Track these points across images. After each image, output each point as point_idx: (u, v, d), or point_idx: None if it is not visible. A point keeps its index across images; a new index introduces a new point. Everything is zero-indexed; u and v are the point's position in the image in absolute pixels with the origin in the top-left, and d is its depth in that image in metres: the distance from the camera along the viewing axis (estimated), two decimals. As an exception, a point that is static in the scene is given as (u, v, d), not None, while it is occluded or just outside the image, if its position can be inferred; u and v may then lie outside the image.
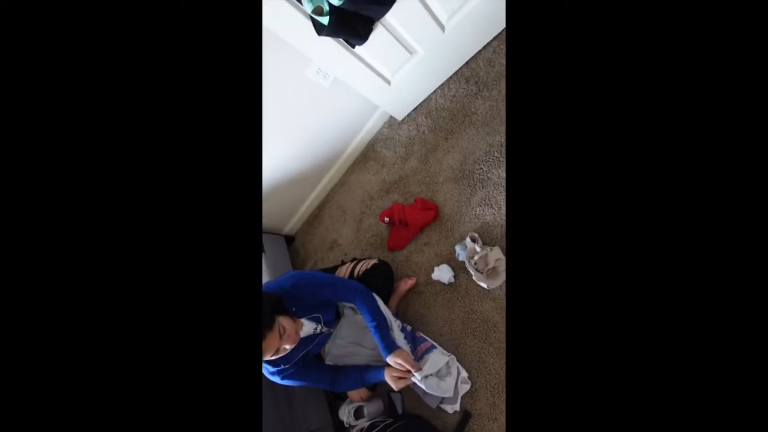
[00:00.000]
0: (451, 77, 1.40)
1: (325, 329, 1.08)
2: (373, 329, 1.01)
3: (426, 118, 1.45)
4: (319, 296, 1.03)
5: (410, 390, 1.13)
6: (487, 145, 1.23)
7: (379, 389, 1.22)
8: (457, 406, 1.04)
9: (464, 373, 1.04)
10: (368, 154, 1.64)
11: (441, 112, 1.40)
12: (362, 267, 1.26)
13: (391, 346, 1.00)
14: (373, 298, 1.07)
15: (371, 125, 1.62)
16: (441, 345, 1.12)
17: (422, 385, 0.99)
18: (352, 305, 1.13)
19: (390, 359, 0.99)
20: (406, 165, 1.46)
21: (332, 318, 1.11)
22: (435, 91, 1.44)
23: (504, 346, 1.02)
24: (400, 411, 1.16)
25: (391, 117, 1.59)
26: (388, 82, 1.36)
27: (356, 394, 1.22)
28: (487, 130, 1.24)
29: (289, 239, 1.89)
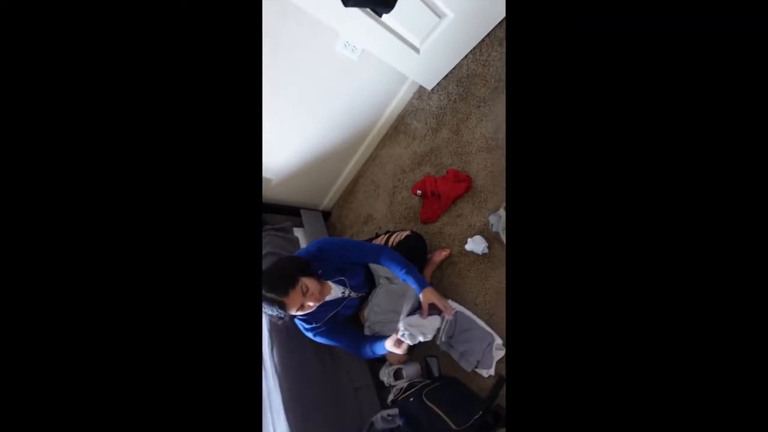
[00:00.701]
0: (483, 40, 1.32)
1: (353, 293, 1.15)
2: (403, 275, 1.07)
3: (457, 86, 1.39)
4: (346, 258, 1.11)
5: (446, 354, 1.19)
6: (522, 110, 1.16)
7: (416, 353, 1.29)
8: (492, 371, 1.07)
9: (499, 340, 1.07)
10: (399, 127, 1.63)
11: (473, 79, 1.34)
12: (395, 239, 1.29)
13: (423, 284, 1.05)
14: (398, 254, 1.12)
15: (401, 97, 1.59)
16: (476, 314, 1.15)
17: (408, 340, 1.00)
18: (388, 275, 1.18)
19: (423, 295, 1.04)
20: (438, 136, 1.44)
21: (359, 282, 1.17)
22: (466, 56, 1.38)
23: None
24: (436, 374, 1.23)
25: (420, 87, 1.55)
26: (417, 51, 1.31)
27: (395, 358, 1.30)
28: (522, 94, 1.18)
29: (326, 214, 1.97)
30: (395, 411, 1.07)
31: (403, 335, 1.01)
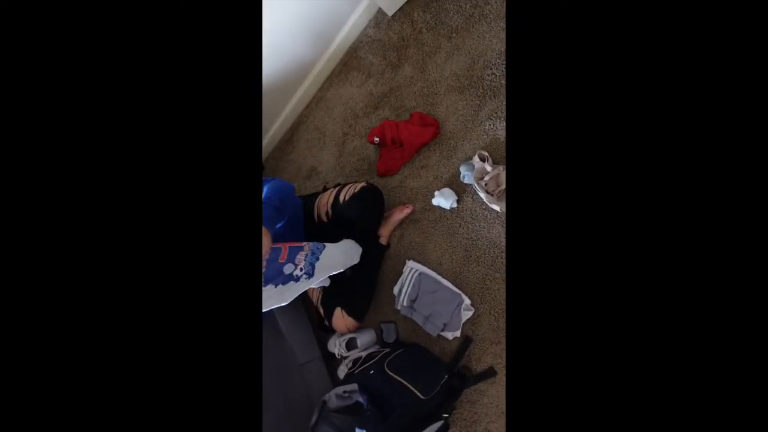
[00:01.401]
0: (457, -45, 1.12)
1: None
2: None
3: (424, 12, 1.18)
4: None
5: (406, 319, 1.08)
6: (501, 44, 1.02)
7: (369, 320, 1.17)
8: (457, 333, 1.00)
9: (467, 300, 0.99)
10: (350, 62, 1.37)
11: (444, 3, 1.14)
12: (348, 191, 1.10)
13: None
14: (283, 184, 1.00)
15: (354, 23, 1.32)
16: (440, 274, 1.04)
17: None
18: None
19: None
20: (399, 74, 1.23)
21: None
22: (436, -25, 1.16)
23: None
24: (390, 340, 1.12)
25: (379, 11, 1.29)
26: (379, -43, 1.05)
27: (344, 326, 1.15)
28: (502, 25, 1.03)
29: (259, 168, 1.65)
30: (353, 386, 0.93)
31: None
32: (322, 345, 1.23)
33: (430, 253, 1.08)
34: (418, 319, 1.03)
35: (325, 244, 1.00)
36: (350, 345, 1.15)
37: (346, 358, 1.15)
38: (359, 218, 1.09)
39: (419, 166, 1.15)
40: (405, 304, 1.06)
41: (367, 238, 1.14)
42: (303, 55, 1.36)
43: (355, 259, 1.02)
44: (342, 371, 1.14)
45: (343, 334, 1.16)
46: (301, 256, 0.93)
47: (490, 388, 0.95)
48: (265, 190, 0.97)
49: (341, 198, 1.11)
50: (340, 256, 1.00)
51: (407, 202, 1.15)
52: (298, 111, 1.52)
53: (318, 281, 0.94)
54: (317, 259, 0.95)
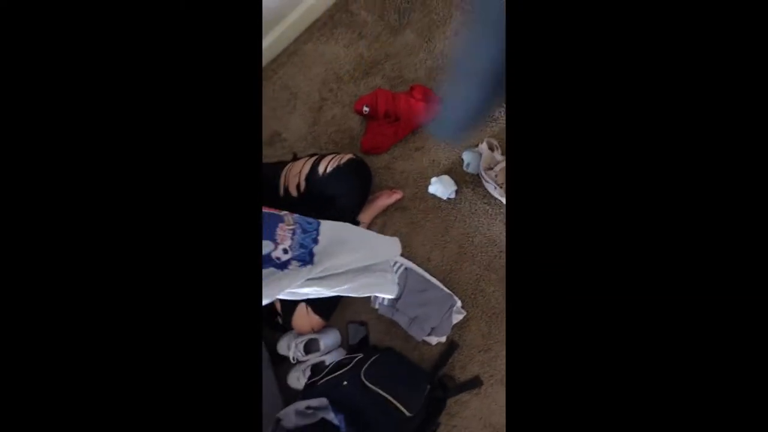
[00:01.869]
0: None
1: None
2: None
3: (439, -26, 1.05)
4: None
5: (380, 319, 0.94)
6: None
7: (335, 318, 1.00)
8: (443, 338, 0.90)
9: (459, 302, 0.89)
10: (338, 16, 1.17)
11: (462, -29, 1.03)
12: (331, 162, 0.92)
13: None
14: None
15: (351, -31, 1.12)
16: (428, 271, 0.93)
17: None
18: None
19: None
20: (398, 39, 1.07)
21: None
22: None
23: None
24: (354, 341, 0.97)
25: (384, -38, 1.12)
26: None
27: (307, 326, 0.96)
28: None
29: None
30: (321, 401, 0.75)
31: None
32: (269, 344, 1.01)
33: (418, 247, 0.96)
34: (401, 320, 0.90)
35: (320, 220, 0.74)
36: (309, 347, 0.96)
37: (302, 363, 0.96)
38: (342, 196, 0.92)
39: (413, 148, 1.01)
40: (386, 303, 0.92)
41: (345, 221, 0.97)
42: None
43: (396, 252, 0.75)
44: (297, 379, 0.94)
45: (301, 335, 0.96)
46: (284, 232, 0.64)
47: (473, 399, 0.87)
48: None
49: (321, 169, 0.92)
50: (359, 242, 0.71)
51: (395, 187, 1.01)
52: (264, 62, 1.26)
53: (316, 274, 0.63)
54: (315, 241, 0.68)
